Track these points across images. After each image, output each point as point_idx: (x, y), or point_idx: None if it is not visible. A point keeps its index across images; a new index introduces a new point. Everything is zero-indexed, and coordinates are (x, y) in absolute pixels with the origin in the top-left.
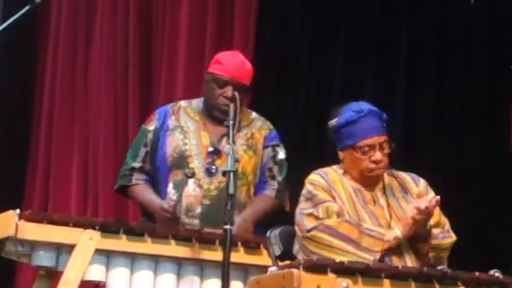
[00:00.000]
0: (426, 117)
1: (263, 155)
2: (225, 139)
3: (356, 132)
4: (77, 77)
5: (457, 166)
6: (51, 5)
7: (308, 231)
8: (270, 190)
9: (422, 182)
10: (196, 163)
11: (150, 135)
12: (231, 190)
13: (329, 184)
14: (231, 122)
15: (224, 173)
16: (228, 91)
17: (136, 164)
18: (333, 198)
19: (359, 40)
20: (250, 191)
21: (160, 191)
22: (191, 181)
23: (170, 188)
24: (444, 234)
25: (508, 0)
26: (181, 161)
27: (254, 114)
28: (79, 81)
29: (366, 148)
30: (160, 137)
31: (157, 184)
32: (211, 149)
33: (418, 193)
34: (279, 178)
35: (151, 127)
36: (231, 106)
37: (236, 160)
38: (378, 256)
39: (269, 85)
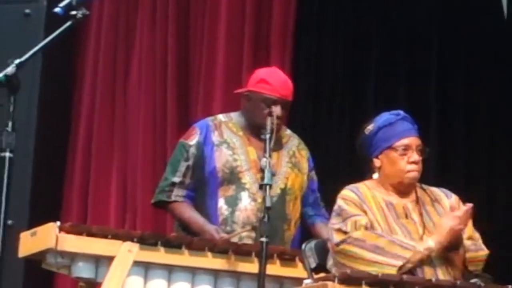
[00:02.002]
0: (456, 139)
1: (312, 178)
2: (272, 154)
3: (394, 132)
4: (116, 94)
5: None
6: (91, 24)
7: (337, 245)
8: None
9: (454, 197)
10: (248, 178)
11: (192, 150)
12: (267, 203)
13: (360, 198)
14: (267, 135)
15: (261, 187)
16: (277, 110)
17: (176, 179)
18: (364, 212)
19: (390, 64)
20: (296, 205)
21: (206, 206)
22: (245, 195)
23: (222, 203)
24: (476, 247)
25: None
26: (232, 176)
27: (288, 131)
28: (118, 97)
29: (404, 148)
30: (205, 151)
31: (203, 199)
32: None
33: (451, 206)
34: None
35: (192, 141)
36: (268, 120)
37: (273, 174)
38: (404, 262)
39: (302, 111)
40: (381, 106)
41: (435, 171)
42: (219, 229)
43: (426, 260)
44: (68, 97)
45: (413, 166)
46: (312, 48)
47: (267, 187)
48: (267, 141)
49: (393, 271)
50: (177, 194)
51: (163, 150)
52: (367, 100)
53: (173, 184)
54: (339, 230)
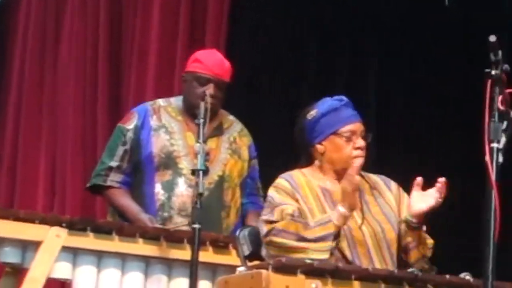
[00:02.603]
0: (397, 120)
1: (252, 166)
2: (211, 140)
3: (339, 118)
4: (45, 76)
5: (430, 169)
6: (20, 5)
7: (264, 236)
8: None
9: (394, 184)
10: (185, 164)
11: (129, 134)
12: (200, 189)
13: (293, 186)
14: (201, 120)
15: (193, 172)
16: (210, 89)
17: (113, 163)
18: (296, 200)
19: (333, 39)
20: (235, 192)
21: (143, 191)
22: (181, 181)
23: (159, 188)
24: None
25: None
26: (169, 161)
27: (231, 117)
28: (48, 80)
29: (349, 134)
30: (142, 136)
31: (140, 183)
32: None
33: (394, 198)
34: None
35: (130, 125)
36: (202, 104)
37: (207, 160)
38: (332, 240)
39: (240, 87)
40: (320, 88)
41: (374, 156)
42: (153, 219)
43: (363, 251)
44: None
45: (359, 152)
46: (249, 30)
47: (201, 172)
48: (201, 126)
49: (324, 255)
50: (113, 179)
51: (93, 133)
52: (306, 84)
53: (110, 168)
54: (267, 221)
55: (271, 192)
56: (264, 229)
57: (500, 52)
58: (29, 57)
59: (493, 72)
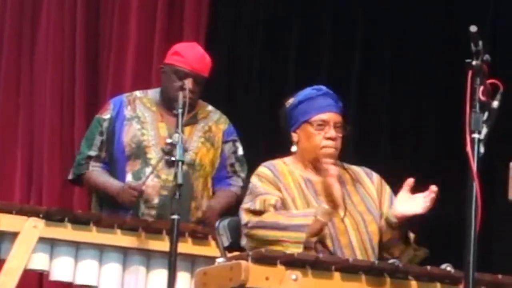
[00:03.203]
0: (379, 112)
1: (224, 149)
2: (184, 129)
3: (312, 107)
4: (22, 68)
5: (413, 162)
6: None
7: (244, 226)
8: (236, 187)
9: (375, 176)
10: (154, 154)
11: (105, 124)
12: (179, 180)
13: (275, 175)
14: (180, 110)
15: (173, 163)
16: (189, 83)
17: (92, 153)
18: (279, 189)
19: (313, 32)
20: (207, 183)
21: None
22: (149, 171)
23: (130, 178)
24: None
25: None
26: (139, 151)
27: (210, 107)
28: (25, 72)
29: (321, 123)
30: (116, 126)
31: (113, 174)
32: (169, 140)
33: (376, 189)
34: (243, 175)
35: (106, 116)
36: (180, 94)
37: (185, 150)
38: (306, 233)
39: (220, 78)
40: (302, 81)
41: (357, 147)
42: (132, 183)
43: (345, 242)
44: None
45: (329, 142)
46: (228, 21)
47: (180, 163)
48: (179, 116)
49: (298, 247)
50: (94, 165)
51: (70, 125)
52: (287, 76)
53: (89, 157)
54: (248, 210)
55: (254, 180)
56: (244, 218)
57: (480, 42)
58: (6, 50)
59: (474, 63)
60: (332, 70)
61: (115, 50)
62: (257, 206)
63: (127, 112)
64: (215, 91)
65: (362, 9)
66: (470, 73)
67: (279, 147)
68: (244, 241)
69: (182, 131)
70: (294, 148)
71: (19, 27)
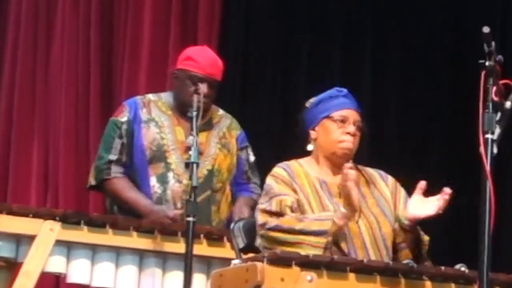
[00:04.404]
0: (390, 113)
1: (240, 156)
2: (200, 134)
3: (334, 104)
4: (37, 72)
5: (423, 164)
6: (10, 3)
7: (260, 226)
8: (256, 195)
9: (391, 179)
10: (174, 158)
11: (124, 126)
12: (194, 182)
13: (291, 176)
14: (194, 113)
15: (187, 165)
16: (203, 88)
17: (113, 157)
18: (294, 190)
19: (326, 35)
20: (225, 188)
21: (138, 184)
22: (170, 176)
23: (154, 182)
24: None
25: None
26: (160, 154)
27: (221, 111)
28: (40, 76)
29: (342, 118)
30: (134, 128)
31: (134, 176)
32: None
33: (391, 192)
34: (258, 182)
35: (123, 118)
36: (195, 97)
37: (200, 153)
38: (329, 237)
39: (232, 83)
40: (313, 85)
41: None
42: (169, 212)
43: (359, 243)
44: None
45: (347, 137)
46: (241, 25)
47: (194, 165)
48: (194, 119)
49: (319, 251)
50: (116, 171)
51: (86, 128)
52: (298, 78)
53: (110, 161)
54: (264, 211)
55: (269, 180)
56: (261, 218)
57: (493, 43)
58: (21, 53)
59: (486, 63)
60: (343, 73)
61: (129, 53)
62: (274, 207)
63: (143, 114)
64: (226, 95)
65: (372, 13)
66: (483, 73)
67: (289, 151)
68: (258, 241)
69: (197, 134)
70: (310, 147)
71: (34, 32)
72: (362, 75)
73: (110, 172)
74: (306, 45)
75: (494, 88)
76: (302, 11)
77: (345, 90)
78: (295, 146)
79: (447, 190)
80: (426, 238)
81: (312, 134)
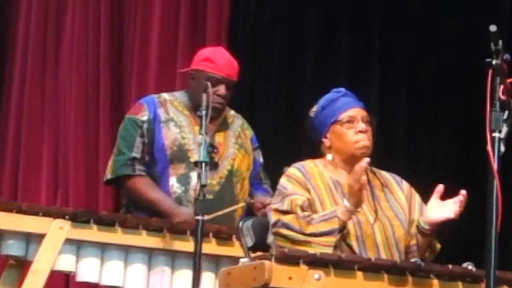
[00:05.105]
0: (399, 114)
1: (255, 156)
2: (218, 134)
3: (337, 107)
4: (47, 68)
5: (431, 163)
6: (20, 4)
7: (272, 226)
8: (270, 195)
9: (405, 184)
10: (196, 158)
11: (146, 125)
12: (203, 181)
13: (305, 176)
14: (204, 112)
15: (196, 164)
16: (222, 89)
17: (136, 154)
18: (307, 190)
19: (332, 35)
20: (244, 187)
21: (157, 183)
22: (194, 175)
23: (174, 181)
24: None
25: None
26: (182, 154)
27: (232, 111)
28: (50, 72)
29: (349, 119)
30: (155, 128)
31: (153, 176)
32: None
33: (405, 197)
34: (269, 183)
35: (143, 117)
36: (204, 96)
37: (210, 151)
38: (336, 235)
39: (241, 82)
40: (320, 86)
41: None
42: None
43: (370, 242)
44: None
45: (361, 135)
46: (248, 25)
47: (203, 164)
48: (203, 118)
49: (327, 250)
50: (140, 169)
51: (95, 128)
52: (305, 79)
53: (134, 158)
54: (276, 210)
55: (283, 181)
56: (273, 218)
57: (500, 42)
58: (31, 50)
59: (493, 62)
60: (351, 73)
61: (138, 53)
62: (285, 206)
63: (161, 113)
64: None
65: (381, 9)
66: (490, 72)
67: (298, 153)
68: (270, 239)
69: (206, 133)
70: (329, 156)
71: (43, 32)
72: (370, 75)
73: (134, 169)
74: (314, 45)
75: (501, 87)
76: (311, 10)
77: (343, 90)
78: (301, 151)
79: (463, 192)
80: (438, 246)
81: (326, 142)
